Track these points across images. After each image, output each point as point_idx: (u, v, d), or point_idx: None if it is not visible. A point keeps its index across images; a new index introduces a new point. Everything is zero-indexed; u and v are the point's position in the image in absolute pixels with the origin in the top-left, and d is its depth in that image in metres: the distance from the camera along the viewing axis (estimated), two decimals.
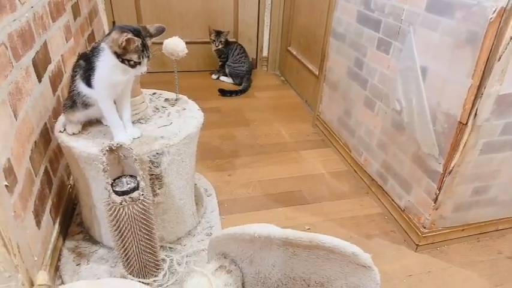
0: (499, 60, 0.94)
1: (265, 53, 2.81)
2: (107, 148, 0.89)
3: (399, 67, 1.31)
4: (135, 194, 0.91)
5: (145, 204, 0.94)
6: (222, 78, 2.63)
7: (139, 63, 0.91)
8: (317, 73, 2.13)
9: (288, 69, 2.65)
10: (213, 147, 1.87)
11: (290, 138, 1.99)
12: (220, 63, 2.60)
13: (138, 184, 0.93)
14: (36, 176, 1.03)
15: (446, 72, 1.09)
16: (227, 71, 2.57)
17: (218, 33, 2.47)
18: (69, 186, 1.37)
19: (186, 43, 1.16)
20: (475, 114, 1.02)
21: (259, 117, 2.18)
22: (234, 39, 2.68)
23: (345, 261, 0.83)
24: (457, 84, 1.05)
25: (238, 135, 1.99)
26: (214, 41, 2.49)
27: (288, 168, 1.74)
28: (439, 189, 1.18)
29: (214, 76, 2.65)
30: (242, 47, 2.56)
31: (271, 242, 0.86)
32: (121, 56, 0.89)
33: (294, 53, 2.49)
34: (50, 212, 1.12)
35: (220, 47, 2.48)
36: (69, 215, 1.31)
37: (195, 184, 1.40)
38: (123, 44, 0.86)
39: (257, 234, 0.84)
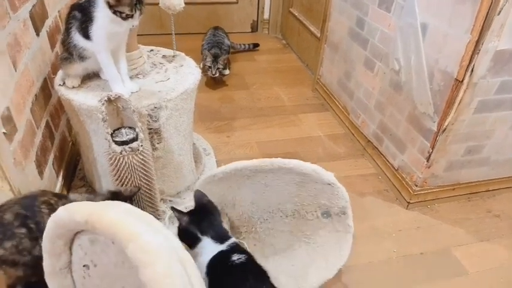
0: (498, 14, 0.93)
1: (266, 15, 2.74)
2: (106, 98, 0.90)
3: (400, 24, 1.29)
4: (134, 144, 0.94)
5: (144, 155, 0.97)
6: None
7: (132, 16, 0.92)
8: (319, 35, 2.09)
9: (289, 31, 2.60)
10: (212, 110, 1.88)
11: (289, 101, 1.99)
12: (210, 56, 1.97)
13: (137, 135, 0.96)
14: (37, 128, 1.06)
15: (446, 28, 1.08)
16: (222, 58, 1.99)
17: (216, 57, 1.95)
18: (71, 142, 1.40)
19: (186, 3, 1.16)
20: (472, 70, 1.03)
21: (258, 80, 2.17)
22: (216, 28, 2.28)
23: (311, 183, 0.87)
24: (456, 41, 1.05)
25: (237, 98, 1.99)
26: (210, 67, 1.95)
27: (286, 130, 1.76)
28: (432, 147, 1.20)
29: (213, 72, 1.97)
30: (216, 29, 2.26)
31: (242, 174, 0.90)
32: (113, 7, 0.90)
33: (296, 14, 2.44)
34: (53, 165, 1.16)
35: (217, 75, 1.98)
36: (72, 170, 1.35)
37: (194, 144, 1.43)
38: None
39: (228, 169, 0.91)
